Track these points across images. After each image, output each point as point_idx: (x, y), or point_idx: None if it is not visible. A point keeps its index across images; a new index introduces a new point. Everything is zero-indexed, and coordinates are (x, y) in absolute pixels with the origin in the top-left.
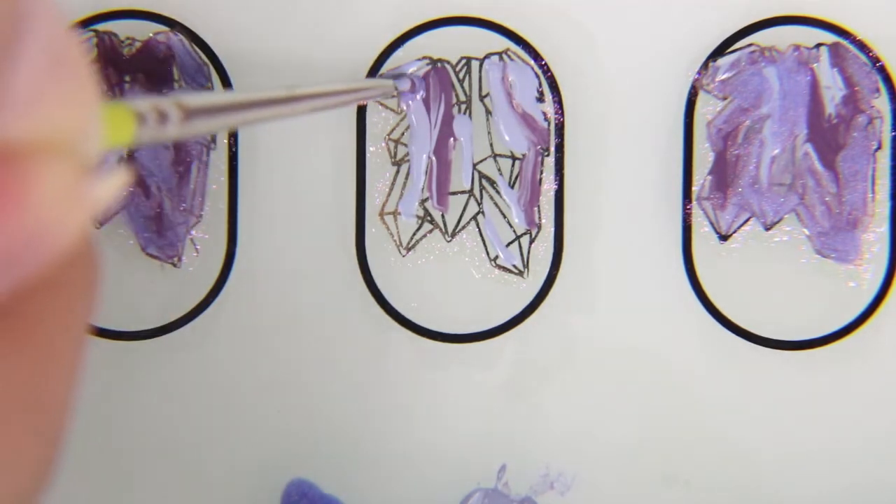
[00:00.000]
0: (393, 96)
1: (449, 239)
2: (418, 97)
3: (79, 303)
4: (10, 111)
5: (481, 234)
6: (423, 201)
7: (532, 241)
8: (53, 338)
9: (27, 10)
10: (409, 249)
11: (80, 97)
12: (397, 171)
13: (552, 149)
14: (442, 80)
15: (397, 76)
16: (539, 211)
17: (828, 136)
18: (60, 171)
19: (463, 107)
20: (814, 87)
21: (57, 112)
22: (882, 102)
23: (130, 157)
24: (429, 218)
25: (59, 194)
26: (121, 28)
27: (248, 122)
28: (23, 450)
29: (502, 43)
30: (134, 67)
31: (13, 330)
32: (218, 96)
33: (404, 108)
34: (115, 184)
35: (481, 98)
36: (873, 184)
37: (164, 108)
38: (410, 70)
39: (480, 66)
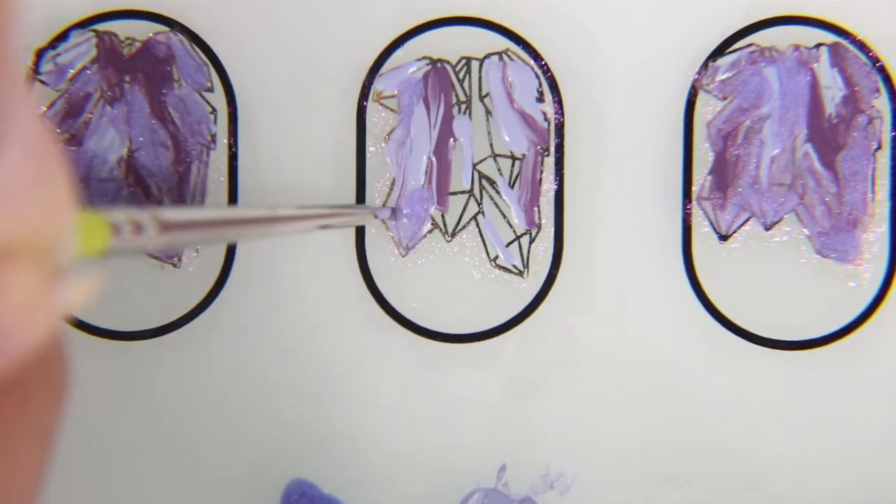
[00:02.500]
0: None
1: (449, 239)
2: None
3: (46, 409)
4: None
5: (481, 234)
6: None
7: (532, 241)
8: (19, 441)
9: (9, 110)
10: (409, 249)
11: (56, 202)
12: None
13: (552, 149)
14: (442, 80)
15: (380, 209)
16: (539, 211)
17: (828, 136)
18: (31, 274)
19: (463, 107)
20: (814, 87)
21: (33, 215)
22: (882, 102)
23: (130, 155)
24: (429, 218)
25: (27, 297)
26: (121, 28)
27: (226, 239)
28: None
29: (502, 43)
30: (134, 67)
31: None
32: (196, 212)
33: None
34: (84, 290)
35: (481, 98)
36: (873, 184)
37: (140, 220)
38: (410, 71)
39: (480, 66)
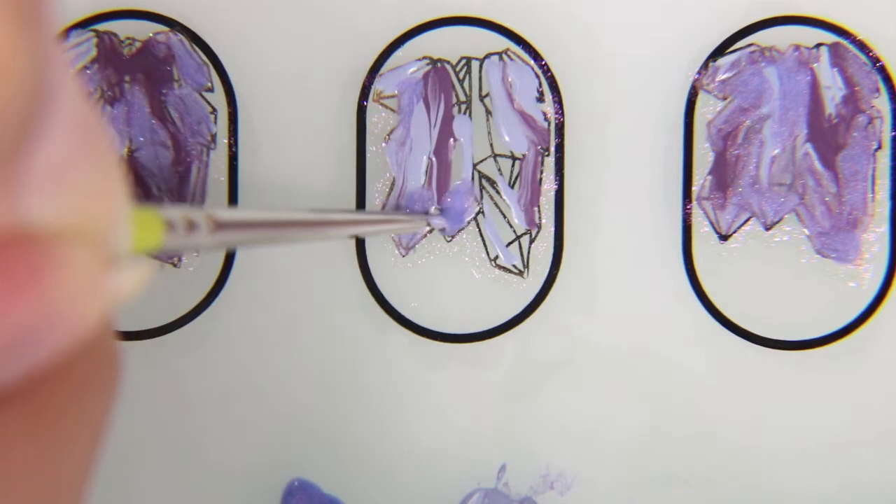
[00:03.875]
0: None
1: (449, 239)
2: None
3: (97, 398)
4: (33, 190)
5: (481, 234)
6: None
7: (532, 241)
8: (70, 430)
9: (52, 88)
10: (408, 249)
11: (107, 187)
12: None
13: (552, 149)
14: (442, 80)
15: (432, 213)
16: (539, 211)
17: (828, 136)
18: (84, 258)
19: (463, 107)
20: (814, 87)
21: (83, 197)
22: (882, 102)
23: (130, 155)
24: None
25: (80, 282)
26: (121, 28)
27: (278, 240)
28: None
29: (502, 43)
30: (134, 67)
31: (29, 418)
32: (249, 213)
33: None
34: (137, 278)
35: (481, 98)
36: (873, 184)
37: (194, 218)
38: (410, 71)
39: (480, 66)
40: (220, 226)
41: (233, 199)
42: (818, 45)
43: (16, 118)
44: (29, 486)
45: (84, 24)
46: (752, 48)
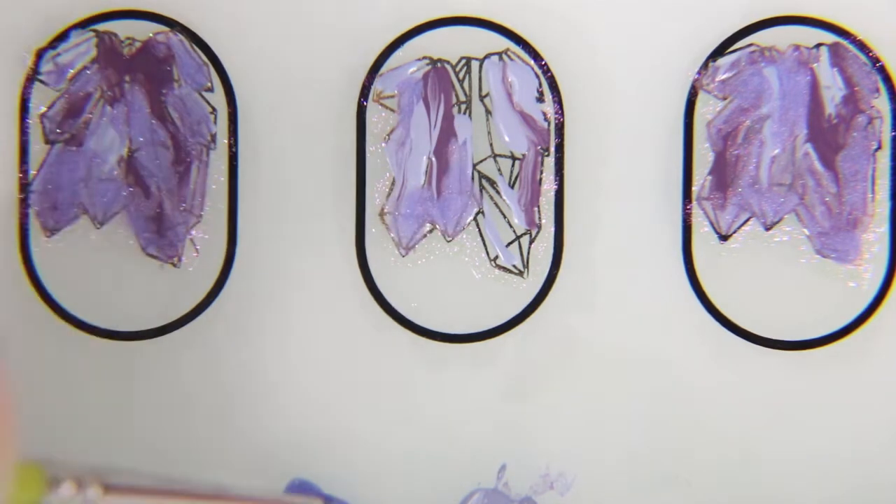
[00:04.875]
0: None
1: (449, 239)
2: None
3: None
4: None
5: (481, 235)
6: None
7: (532, 241)
8: None
9: None
10: (408, 249)
11: None
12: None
13: (552, 149)
14: (442, 80)
15: (319, 496)
16: (539, 211)
17: (828, 136)
18: None
19: (463, 107)
20: (814, 87)
21: None
22: (882, 102)
23: (130, 156)
24: (429, 218)
25: None
26: (121, 28)
27: None
28: None
29: (502, 43)
30: (134, 67)
31: None
32: (141, 481)
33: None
34: None
35: (481, 98)
36: (873, 184)
37: (83, 479)
38: (410, 71)
39: (480, 66)
40: (109, 490)
41: (232, 198)
42: (818, 45)
43: None
44: None
45: (84, 24)
46: (752, 48)
